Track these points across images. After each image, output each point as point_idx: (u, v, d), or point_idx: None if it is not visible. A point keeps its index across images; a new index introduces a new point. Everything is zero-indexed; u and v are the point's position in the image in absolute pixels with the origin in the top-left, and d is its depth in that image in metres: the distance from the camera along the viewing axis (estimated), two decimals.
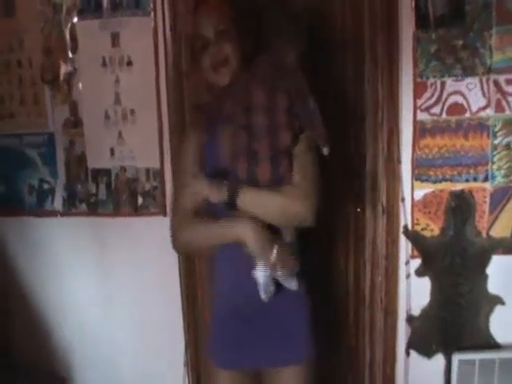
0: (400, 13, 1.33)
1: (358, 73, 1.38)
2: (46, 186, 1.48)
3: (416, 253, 1.41)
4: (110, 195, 1.46)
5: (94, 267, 1.50)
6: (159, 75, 1.42)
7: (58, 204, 1.48)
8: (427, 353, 1.42)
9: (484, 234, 1.36)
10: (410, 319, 1.41)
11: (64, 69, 1.42)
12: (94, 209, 1.48)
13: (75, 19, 1.42)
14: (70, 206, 1.47)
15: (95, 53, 1.44)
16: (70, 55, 1.42)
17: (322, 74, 1.18)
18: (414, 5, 1.32)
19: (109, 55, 1.41)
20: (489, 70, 1.30)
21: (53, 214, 1.49)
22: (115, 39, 1.39)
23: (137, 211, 1.46)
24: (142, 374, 1.43)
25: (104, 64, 1.41)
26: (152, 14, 1.35)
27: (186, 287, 1.45)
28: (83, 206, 1.46)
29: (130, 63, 1.40)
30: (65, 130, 1.45)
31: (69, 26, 1.42)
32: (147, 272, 1.45)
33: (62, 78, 1.43)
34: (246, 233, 0.85)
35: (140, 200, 1.44)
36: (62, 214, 1.48)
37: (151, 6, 1.35)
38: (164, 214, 1.48)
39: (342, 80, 1.31)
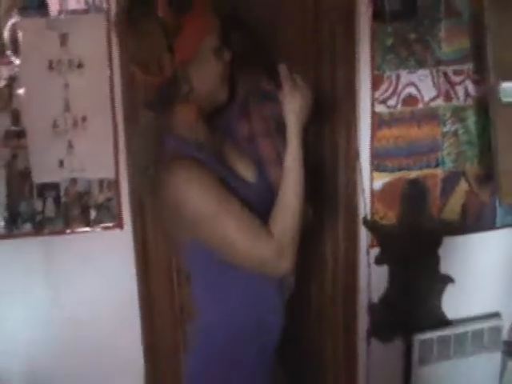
0: (357, 7, 2.76)
1: (316, 66, 2.78)
2: None
3: (375, 242, 2.98)
4: (58, 211, 2.64)
5: (43, 292, 2.73)
6: (113, 78, 2.55)
7: None
8: (387, 338, 3.11)
9: (435, 218, 3.00)
10: (371, 307, 3.05)
11: (4, 73, 2.50)
12: (41, 227, 2.64)
13: (16, 17, 2.46)
14: (12, 227, 2.65)
15: (41, 55, 2.50)
16: (11, 58, 2.50)
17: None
18: None
19: (57, 57, 2.51)
20: (438, 62, 2.84)
21: None
22: (64, 39, 2.50)
23: (90, 226, 2.69)
24: None
25: (51, 67, 2.52)
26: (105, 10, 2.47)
27: (144, 303, 2.84)
28: (28, 226, 2.65)
29: (80, 65, 2.54)
30: (5, 141, 2.55)
31: (8, 25, 2.47)
32: (103, 291, 2.76)
33: (0, 83, 2.51)
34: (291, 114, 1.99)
35: (93, 214, 2.68)
36: (3, 237, 2.64)
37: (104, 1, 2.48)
38: (121, 226, 2.71)
39: (300, 73, 2.36)
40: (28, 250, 2.79)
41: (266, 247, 1.91)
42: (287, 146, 1.99)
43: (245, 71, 2.20)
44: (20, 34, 2.57)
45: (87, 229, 2.79)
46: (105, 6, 2.59)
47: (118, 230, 2.82)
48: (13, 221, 2.73)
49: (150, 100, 2.03)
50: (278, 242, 1.91)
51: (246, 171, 2.10)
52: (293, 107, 1.99)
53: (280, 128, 2.09)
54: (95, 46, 2.63)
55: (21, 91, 2.62)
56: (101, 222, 2.79)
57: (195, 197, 1.89)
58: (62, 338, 2.89)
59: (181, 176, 1.89)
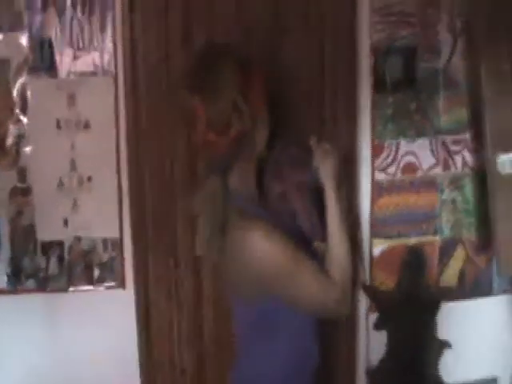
0: (359, 78, 2.65)
1: (319, 136, 2.36)
2: None
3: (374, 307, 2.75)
4: (62, 269, 2.49)
5: (44, 348, 2.56)
6: (119, 139, 2.44)
7: (0, 281, 2.47)
8: None
9: (434, 284, 2.80)
10: (370, 372, 2.84)
11: (12, 131, 2.40)
12: (44, 284, 2.49)
13: (25, 77, 2.37)
14: (15, 283, 2.48)
15: (49, 114, 2.41)
16: (20, 117, 2.40)
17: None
18: (372, 71, 2.65)
19: (64, 117, 2.42)
20: (437, 131, 2.70)
21: None
22: (71, 99, 2.41)
23: (93, 284, 2.52)
24: None
25: (58, 126, 2.42)
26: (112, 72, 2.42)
27: (145, 364, 2.65)
28: (31, 282, 2.49)
29: (87, 126, 2.43)
30: (11, 198, 2.42)
31: (17, 84, 2.38)
32: (104, 350, 2.57)
33: (8, 141, 2.40)
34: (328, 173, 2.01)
35: (96, 272, 2.52)
36: (6, 292, 2.48)
37: (112, 64, 2.41)
38: (123, 286, 2.54)
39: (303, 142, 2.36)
40: (31, 307, 2.62)
41: (334, 292, 1.93)
42: (328, 202, 2.04)
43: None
44: (29, 94, 2.47)
45: (90, 287, 2.61)
46: (112, 68, 2.50)
47: (120, 290, 2.65)
48: (16, 277, 2.58)
49: (215, 162, 1.98)
50: (340, 286, 1.94)
51: None
52: (327, 170, 2.05)
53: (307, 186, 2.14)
54: (102, 107, 2.53)
55: (28, 149, 2.51)
56: (104, 280, 2.62)
57: (273, 254, 1.88)
58: None
59: (257, 235, 1.88)
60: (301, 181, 2.13)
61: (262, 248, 1.85)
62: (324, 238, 2.06)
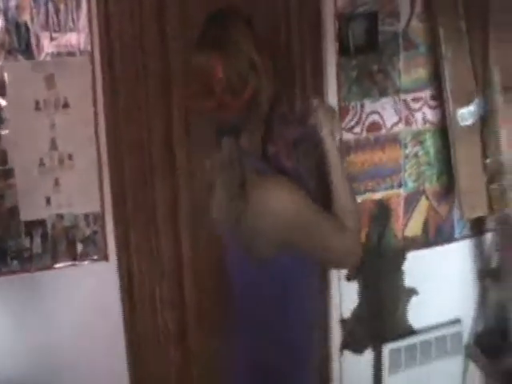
0: (325, 43, 2.82)
1: (288, 101, 2.79)
2: None
3: None
4: (46, 247, 2.59)
5: (32, 325, 2.68)
6: (98, 116, 2.53)
7: None
8: (359, 349, 3.15)
9: (400, 235, 3.07)
10: (343, 322, 3.09)
11: None
12: (28, 264, 2.59)
13: (2, 61, 2.42)
14: (1, 266, 2.58)
15: (27, 96, 2.47)
16: None
17: None
18: (336, 36, 2.83)
19: (43, 98, 2.49)
20: (398, 91, 2.92)
21: None
22: (49, 80, 2.48)
23: (76, 259, 2.64)
24: None
25: (37, 108, 2.49)
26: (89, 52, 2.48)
27: (130, 332, 2.79)
28: (15, 264, 2.59)
29: (66, 105, 2.51)
30: None
31: None
32: (90, 321, 2.71)
33: None
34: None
35: (80, 247, 2.64)
36: None
37: (88, 44, 2.48)
38: (106, 258, 2.67)
39: None
40: (16, 287, 2.75)
41: (349, 239, 2.00)
42: (329, 155, 2.10)
43: None
44: (6, 77, 2.53)
45: (74, 262, 2.74)
46: (89, 48, 2.59)
47: (103, 262, 2.79)
48: (1, 259, 2.68)
49: (228, 125, 2.01)
50: (354, 233, 2.02)
51: None
52: (329, 128, 2.10)
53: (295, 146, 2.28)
54: (80, 86, 2.62)
55: (8, 132, 2.58)
56: (87, 254, 2.75)
57: (296, 205, 1.95)
58: (51, 367, 2.87)
59: (278, 190, 1.95)
60: (290, 140, 2.28)
61: (285, 201, 1.93)
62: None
